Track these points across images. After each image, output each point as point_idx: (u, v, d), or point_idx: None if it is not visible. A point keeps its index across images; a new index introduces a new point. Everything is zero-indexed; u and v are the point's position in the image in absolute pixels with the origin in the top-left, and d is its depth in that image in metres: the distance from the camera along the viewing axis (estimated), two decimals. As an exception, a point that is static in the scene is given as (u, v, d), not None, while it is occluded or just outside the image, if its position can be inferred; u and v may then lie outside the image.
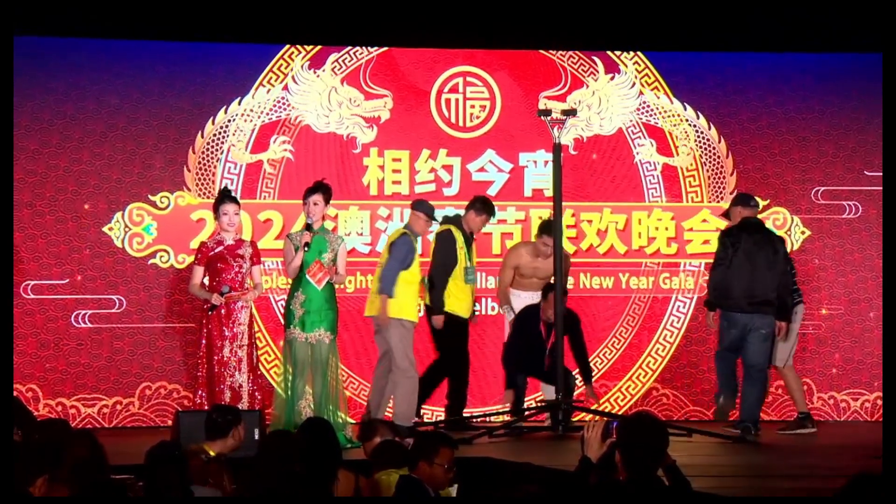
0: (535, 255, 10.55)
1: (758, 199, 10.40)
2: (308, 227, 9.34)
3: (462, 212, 10.58)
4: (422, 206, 10.14)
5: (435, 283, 10.26)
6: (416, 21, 10.96)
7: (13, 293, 10.19)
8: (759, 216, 10.72)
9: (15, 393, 9.87)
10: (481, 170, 11.40)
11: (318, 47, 11.20)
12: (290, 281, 9.53)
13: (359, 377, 10.93)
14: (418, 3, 10.86)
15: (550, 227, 10.29)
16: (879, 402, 11.07)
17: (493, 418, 10.72)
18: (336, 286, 9.53)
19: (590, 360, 10.67)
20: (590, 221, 11.43)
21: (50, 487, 5.44)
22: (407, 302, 9.89)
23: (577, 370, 10.49)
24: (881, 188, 9.89)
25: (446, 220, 10.52)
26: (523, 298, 10.61)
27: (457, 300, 10.30)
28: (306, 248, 9.25)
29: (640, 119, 11.48)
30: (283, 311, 10.04)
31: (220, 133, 11.02)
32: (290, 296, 9.39)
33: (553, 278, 10.12)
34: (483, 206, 10.47)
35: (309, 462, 5.96)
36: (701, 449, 9.22)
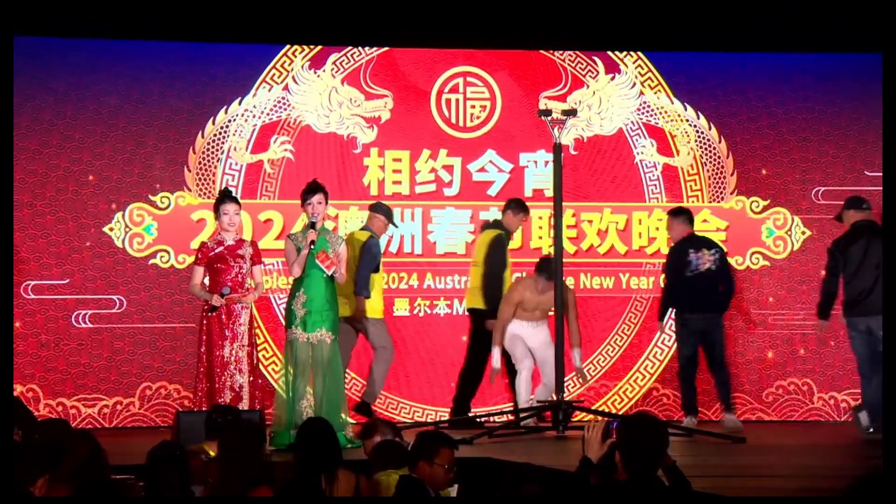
0: (536, 290, 10.48)
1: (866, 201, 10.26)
2: (312, 225, 9.33)
3: (499, 215, 10.82)
4: (381, 208, 10.24)
5: (492, 287, 10.45)
6: (416, 21, 10.95)
7: (13, 293, 10.19)
8: (761, 216, 10.73)
9: (15, 393, 9.87)
10: (482, 170, 11.40)
11: (319, 47, 11.20)
12: (290, 281, 9.52)
13: (359, 377, 10.91)
14: (418, 3, 10.86)
15: (547, 267, 10.23)
16: (880, 402, 11.06)
17: (494, 418, 10.73)
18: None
19: (589, 360, 10.66)
20: (590, 221, 11.43)
21: (50, 487, 5.44)
22: (375, 301, 10.26)
23: None
24: (881, 188, 9.86)
25: (494, 225, 10.75)
26: (526, 328, 10.46)
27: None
28: (312, 246, 9.24)
29: (641, 119, 11.48)
30: (283, 311, 10.04)
31: (220, 133, 11.01)
32: (291, 296, 9.38)
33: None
34: (518, 206, 10.73)
35: (309, 462, 5.97)
36: (701, 449, 9.22)
